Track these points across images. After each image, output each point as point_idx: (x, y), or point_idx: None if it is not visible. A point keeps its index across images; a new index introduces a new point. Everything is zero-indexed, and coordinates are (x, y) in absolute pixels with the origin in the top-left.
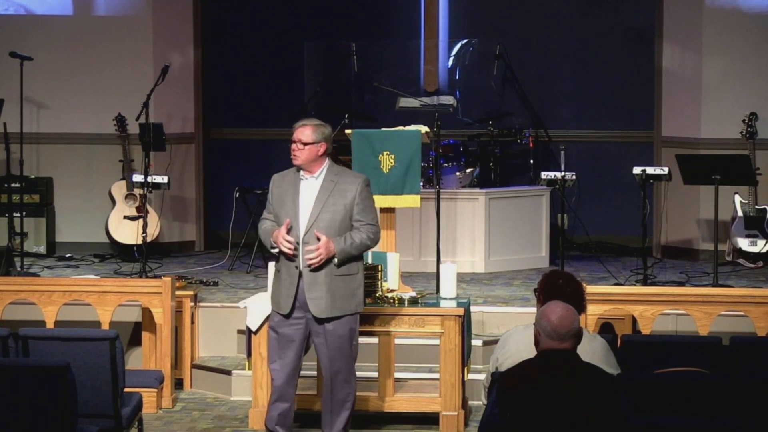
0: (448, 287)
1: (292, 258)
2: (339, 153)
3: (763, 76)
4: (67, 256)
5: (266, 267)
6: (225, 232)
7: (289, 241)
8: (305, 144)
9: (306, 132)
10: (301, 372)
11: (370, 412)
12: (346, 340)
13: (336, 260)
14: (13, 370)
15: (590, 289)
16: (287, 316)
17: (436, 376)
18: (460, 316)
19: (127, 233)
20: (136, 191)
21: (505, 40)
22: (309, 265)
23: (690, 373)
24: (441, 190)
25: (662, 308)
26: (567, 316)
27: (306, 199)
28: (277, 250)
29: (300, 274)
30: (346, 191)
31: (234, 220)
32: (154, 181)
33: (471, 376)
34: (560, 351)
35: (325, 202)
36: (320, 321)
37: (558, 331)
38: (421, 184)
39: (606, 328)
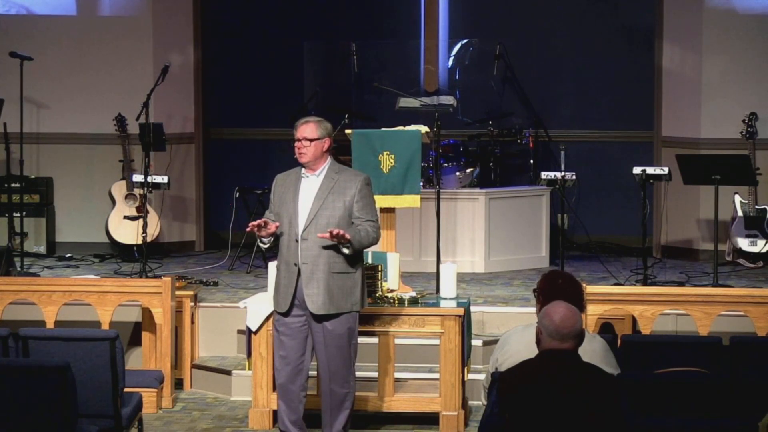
0: (448, 287)
1: (291, 255)
2: (339, 153)
3: (763, 76)
4: (67, 256)
5: (266, 267)
6: (225, 232)
7: (256, 225)
8: (311, 140)
9: (310, 128)
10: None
11: (369, 412)
12: (345, 339)
13: (349, 247)
14: (13, 370)
15: (590, 289)
16: (286, 314)
17: (436, 376)
18: (460, 316)
19: (127, 233)
20: (136, 191)
21: (505, 40)
22: (320, 237)
23: (690, 373)
24: (441, 190)
25: (662, 308)
26: (570, 316)
27: (306, 196)
28: (265, 244)
29: (299, 272)
30: (346, 189)
31: (234, 220)
32: (154, 181)
33: (471, 376)
34: (561, 351)
35: (325, 199)
36: (318, 320)
37: (560, 331)
38: (421, 184)
39: (606, 328)
